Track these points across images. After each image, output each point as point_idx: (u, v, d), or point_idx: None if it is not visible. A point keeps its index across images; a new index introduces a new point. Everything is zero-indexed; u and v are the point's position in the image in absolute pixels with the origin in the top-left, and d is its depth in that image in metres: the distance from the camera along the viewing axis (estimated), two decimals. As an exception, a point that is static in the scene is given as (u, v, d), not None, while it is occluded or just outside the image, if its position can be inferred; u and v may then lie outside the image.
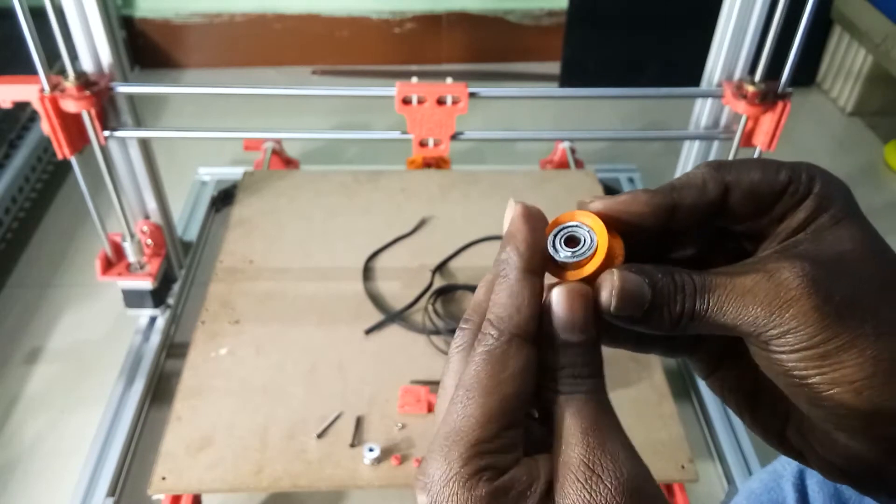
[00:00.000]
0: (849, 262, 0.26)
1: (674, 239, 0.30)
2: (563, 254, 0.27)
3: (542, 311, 0.26)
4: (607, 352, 0.28)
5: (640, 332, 0.28)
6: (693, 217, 0.28)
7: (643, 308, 0.26)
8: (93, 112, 0.96)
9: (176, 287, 1.24)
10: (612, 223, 0.27)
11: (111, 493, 0.96)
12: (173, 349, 1.18)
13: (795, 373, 0.25)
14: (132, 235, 1.11)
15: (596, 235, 0.27)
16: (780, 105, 0.96)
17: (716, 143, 1.11)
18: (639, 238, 0.28)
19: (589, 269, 0.27)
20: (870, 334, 0.25)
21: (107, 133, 1.00)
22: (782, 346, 0.25)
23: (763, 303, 0.25)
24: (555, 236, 0.27)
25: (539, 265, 0.27)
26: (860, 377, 0.25)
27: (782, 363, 0.26)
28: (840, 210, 0.27)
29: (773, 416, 0.29)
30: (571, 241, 0.27)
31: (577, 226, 0.27)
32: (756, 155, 1.03)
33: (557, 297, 0.26)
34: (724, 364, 0.31)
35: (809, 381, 0.25)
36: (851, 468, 0.27)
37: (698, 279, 0.26)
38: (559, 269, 0.27)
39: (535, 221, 0.27)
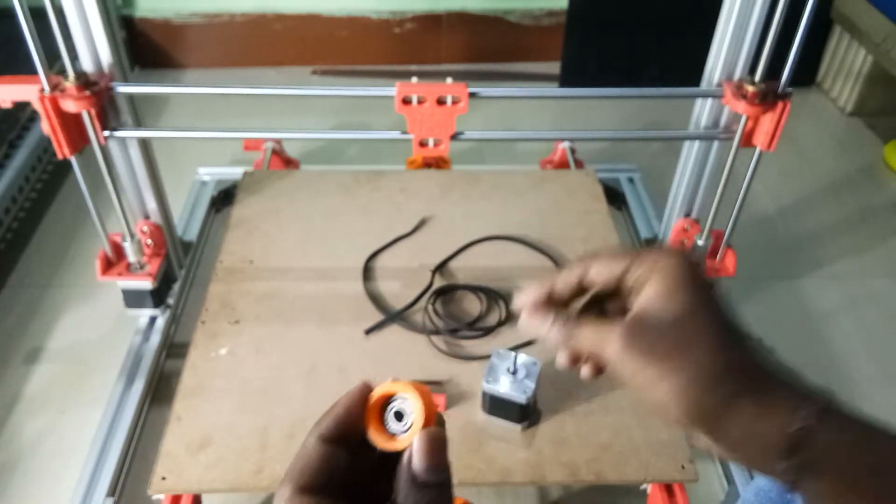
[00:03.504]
0: (657, 320, 0.37)
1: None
2: (394, 426, 0.33)
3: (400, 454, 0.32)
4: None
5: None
6: (574, 293, 0.43)
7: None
8: (93, 112, 0.96)
9: (176, 287, 1.24)
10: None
11: (111, 493, 0.96)
12: (173, 349, 1.18)
13: (632, 391, 0.37)
14: (132, 235, 1.11)
15: (415, 408, 0.32)
16: (780, 105, 0.96)
17: (716, 143, 1.11)
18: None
19: (409, 439, 0.32)
20: (671, 369, 0.35)
21: (107, 133, 1.00)
22: (622, 379, 0.38)
23: (599, 347, 0.39)
24: (388, 404, 0.33)
25: (337, 437, 0.32)
26: (669, 399, 0.35)
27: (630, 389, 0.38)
28: (663, 278, 0.38)
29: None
30: (398, 413, 0.33)
31: (401, 398, 0.33)
32: (756, 155, 1.03)
33: (420, 444, 0.31)
34: None
35: (643, 402, 0.37)
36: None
37: (577, 327, 0.41)
38: (388, 436, 0.33)
39: (358, 403, 0.33)
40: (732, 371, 0.35)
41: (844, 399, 0.35)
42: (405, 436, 0.32)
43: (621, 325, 0.38)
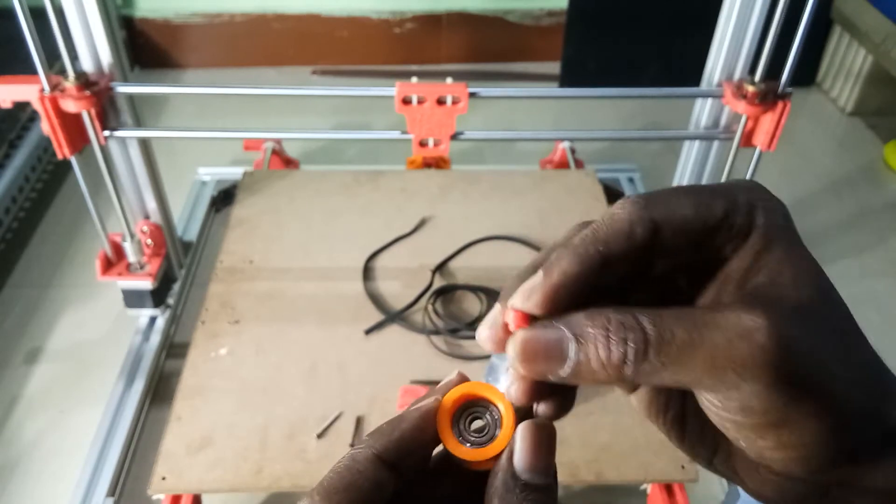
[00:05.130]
0: (811, 313, 0.24)
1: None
2: (472, 438, 0.27)
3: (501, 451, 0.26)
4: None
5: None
6: (622, 268, 0.24)
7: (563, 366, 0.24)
8: (93, 112, 0.96)
9: (176, 287, 1.24)
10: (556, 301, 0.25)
11: (111, 493, 0.96)
12: (173, 349, 1.18)
13: (743, 432, 0.24)
14: (132, 235, 1.11)
15: (501, 415, 0.26)
16: (780, 105, 0.96)
17: (716, 143, 1.11)
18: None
19: (493, 451, 0.26)
20: (826, 407, 0.22)
21: (107, 133, 1.00)
22: (734, 412, 0.23)
23: (721, 368, 0.22)
24: (460, 414, 0.27)
25: (396, 460, 0.26)
26: (811, 441, 0.23)
27: (731, 423, 0.24)
28: (788, 245, 0.25)
29: (701, 444, 0.28)
30: (476, 420, 0.27)
31: (482, 403, 0.27)
32: (756, 155, 1.03)
33: (526, 438, 0.25)
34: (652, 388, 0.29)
35: (758, 442, 0.24)
36: (783, 501, 0.26)
37: (650, 329, 0.23)
38: (463, 448, 0.27)
39: (427, 425, 0.27)
40: (889, 398, 0.24)
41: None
42: (493, 444, 0.26)
43: (766, 336, 0.22)
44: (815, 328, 0.23)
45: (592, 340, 0.23)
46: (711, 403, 0.24)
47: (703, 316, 0.23)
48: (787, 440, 0.23)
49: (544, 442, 0.25)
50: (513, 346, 0.24)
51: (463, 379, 0.27)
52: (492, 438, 0.26)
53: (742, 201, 0.24)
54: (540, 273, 0.24)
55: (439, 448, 0.27)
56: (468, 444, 0.26)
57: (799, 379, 0.22)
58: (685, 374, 0.22)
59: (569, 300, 0.24)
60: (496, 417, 0.26)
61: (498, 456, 0.26)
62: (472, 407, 0.27)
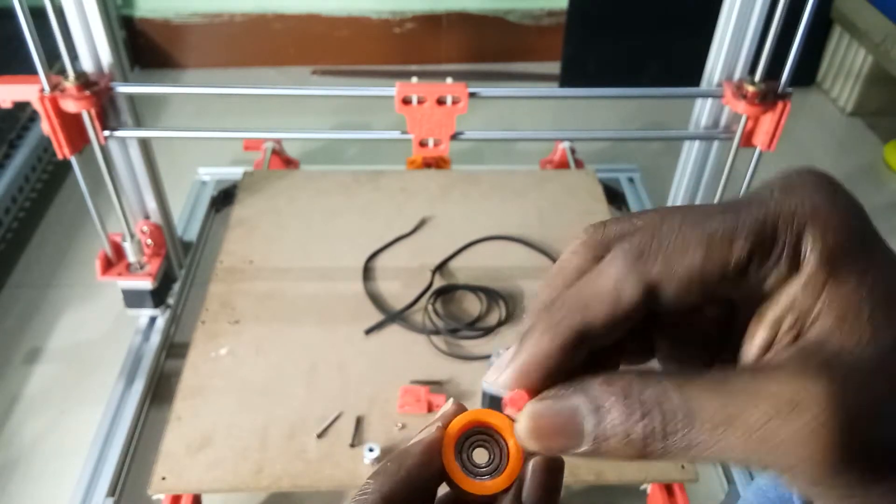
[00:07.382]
0: (881, 372, 0.18)
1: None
2: (476, 469, 0.25)
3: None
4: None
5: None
6: (614, 333, 0.21)
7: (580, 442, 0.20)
8: (93, 112, 0.96)
9: (176, 287, 1.24)
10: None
11: (111, 493, 0.96)
12: (173, 349, 1.18)
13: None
14: (132, 235, 1.11)
15: (507, 445, 0.25)
16: (780, 105, 0.96)
17: (716, 143, 1.11)
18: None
19: (503, 484, 0.25)
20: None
21: (107, 133, 1.00)
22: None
23: (762, 451, 0.18)
24: (465, 442, 0.26)
25: (403, 499, 0.24)
26: None
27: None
28: (861, 272, 0.18)
29: None
30: (482, 449, 0.26)
31: (486, 431, 0.26)
32: (755, 155, 1.03)
33: (538, 472, 0.24)
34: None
35: None
36: None
37: (678, 401, 0.19)
38: (471, 482, 0.25)
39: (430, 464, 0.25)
40: None
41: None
42: (502, 476, 0.25)
43: (820, 407, 0.17)
44: (882, 399, 0.18)
45: (611, 412, 0.19)
46: None
47: (741, 383, 0.18)
48: None
49: (554, 477, 0.24)
50: (522, 422, 0.22)
51: (460, 408, 0.26)
52: (496, 468, 0.25)
53: (782, 225, 0.19)
54: (511, 349, 0.22)
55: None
56: (475, 477, 0.25)
57: (872, 465, 0.18)
58: (723, 454, 0.18)
59: (549, 375, 0.21)
60: (502, 446, 0.25)
61: (504, 489, 0.25)
62: (474, 436, 0.26)
